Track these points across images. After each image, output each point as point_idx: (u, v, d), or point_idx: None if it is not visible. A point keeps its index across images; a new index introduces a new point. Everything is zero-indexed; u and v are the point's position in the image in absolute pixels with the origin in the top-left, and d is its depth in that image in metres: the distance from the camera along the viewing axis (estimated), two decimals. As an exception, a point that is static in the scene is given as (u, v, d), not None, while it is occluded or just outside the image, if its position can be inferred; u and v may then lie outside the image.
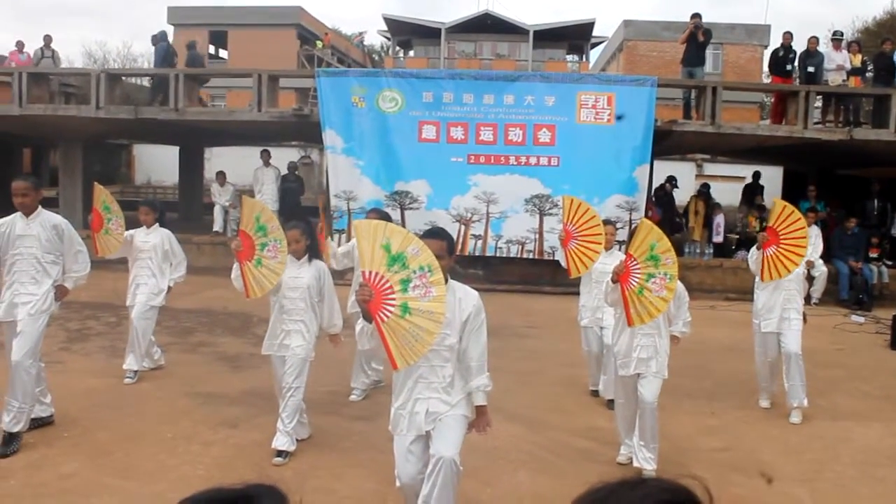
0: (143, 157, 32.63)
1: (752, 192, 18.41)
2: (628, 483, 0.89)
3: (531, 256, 14.27)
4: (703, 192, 17.18)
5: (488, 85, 14.12)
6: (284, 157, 21.66)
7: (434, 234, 4.24)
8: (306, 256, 5.95)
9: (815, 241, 13.61)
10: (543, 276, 14.21)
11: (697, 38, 15.09)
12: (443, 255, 4.06)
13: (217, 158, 25.00)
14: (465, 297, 4.18)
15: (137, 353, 7.71)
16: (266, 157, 17.05)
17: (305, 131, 16.67)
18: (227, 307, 11.61)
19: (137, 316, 7.73)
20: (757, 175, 19.17)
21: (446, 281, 4.13)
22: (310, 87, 15.89)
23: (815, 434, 6.89)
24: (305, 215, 15.37)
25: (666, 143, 14.93)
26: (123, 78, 17.40)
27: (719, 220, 15.97)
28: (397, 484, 4.29)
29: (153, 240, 7.86)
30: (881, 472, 6.01)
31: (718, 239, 15.84)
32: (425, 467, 4.13)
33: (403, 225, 14.12)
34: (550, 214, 13.99)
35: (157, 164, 30.70)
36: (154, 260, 7.83)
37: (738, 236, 16.59)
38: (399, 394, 4.23)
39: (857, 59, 15.45)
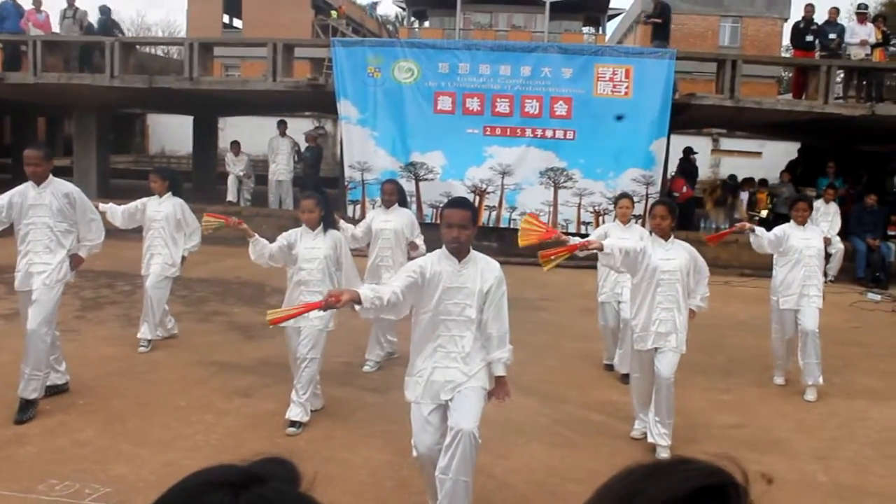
0: (157, 126, 32.64)
1: (794, 168, 18.18)
2: (664, 466, 0.85)
3: (545, 229, 14.20)
4: (730, 184, 16.90)
5: (505, 56, 13.97)
6: (299, 127, 21.57)
7: (459, 204, 4.24)
8: (321, 227, 5.93)
9: (832, 218, 13.56)
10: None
11: (655, 20, 15.12)
12: (467, 224, 4.07)
13: (231, 128, 24.96)
14: (487, 268, 4.18)
15: (151, 323, 7.73)
16: (283, 127, 16.98)
17: (320, 102, 16.60)
18: (240, 276, 11.62)
19: (151, 286, 7.74)
20: (803, 151, 18.86)
21: (468, 252, 4.13)
22: (324, 58, 15.77)
23: (830, 412, 6.85)
24: (322, 186, 15.39)
25: (683, 117, 14.77)
26: (138, 47, 17.32)
27: (743, 196, 15.91)
28: (414, 454, 4.29)
29: (165, 209, 7.85)
30: (897, 451, 5.98)
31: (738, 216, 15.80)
32: (443, 437, 4.14)
33: (418, 196, 14.08)
34: (565, 187, 13.94)
35: (171, 133, 30.70)
36: (167, 229, 7.82)
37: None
38: (415, 361, 4.23)
39: (879, 33, 15.19)
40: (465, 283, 4.10)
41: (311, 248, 5.86)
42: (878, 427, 6.52)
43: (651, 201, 13.49)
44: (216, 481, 0.84)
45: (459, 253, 4.13)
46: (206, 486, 0.83)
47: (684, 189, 15.39)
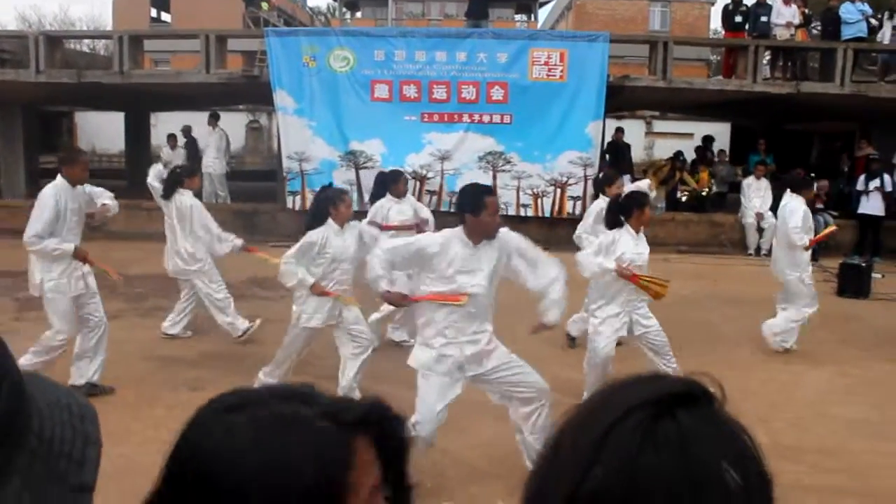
0: (85, 124, 31.74)
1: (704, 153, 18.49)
2: (639, 377, 0.89)
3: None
4: (683, 160, 17.08)
5: (440, 42, 14.00)
6: (233, 121, 21.29)
7: (494, 192, 4.71)
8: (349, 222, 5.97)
9: (764, 194, 13.97)
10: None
11: None
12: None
13: (164, 124, 24.40)
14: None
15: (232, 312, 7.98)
16: (213, 120, 16.76)
17: (254, 94, 16.38)
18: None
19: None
20: (708, 140, 19.10)
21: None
22: (257, 51, 15.58)
23: (770, 378, 7.10)
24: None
25: (617, 100, 15.00)
26: (63, 41, 16.80)
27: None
28: (424, 432, 4.39)
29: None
30: (833, 411, 6.25)
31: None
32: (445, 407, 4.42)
33: (359, 184, 14.04)
34: (504, 171, 14.07)
35: (101, 131, 29.89)
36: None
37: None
38: (440, 334, 4.45)
39: (801, 14, 15.61)
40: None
41: (344, 246, 5.81)
42: (813, 389, 6.80)
43: (590, 183, 13.72)
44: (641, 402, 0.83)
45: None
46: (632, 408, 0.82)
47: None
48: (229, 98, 20.53)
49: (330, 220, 5.77)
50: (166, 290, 10.37)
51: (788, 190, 7.94)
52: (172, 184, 7.92)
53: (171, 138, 17.23)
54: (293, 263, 5.73)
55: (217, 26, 23.30)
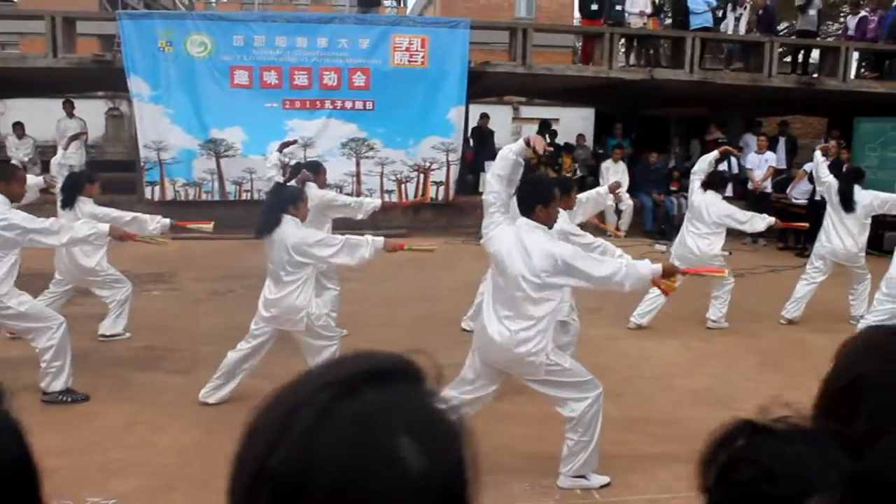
0: (-80, 112, 29.57)
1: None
2: (343, 358, 0.90)
3: (350, 200, 14.28)
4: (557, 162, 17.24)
5: (301, 28, 13.80)
6: (91, 109, 20.28)
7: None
8: None
9: (621, 176, 14.49)
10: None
11: None
12: None
13: (12, 112, 22.98)
14: None
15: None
16: (69, 108, 15.94)
17: (111, 80, 15.66)
18: (31, 267, 10.82)
19: None
20: (545, 125, 19.45)
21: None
22: (114, 34, 14.88)
23: (621, 354, 7.43)
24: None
25: (480, 85, 15.20)
26: None
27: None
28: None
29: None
30: (676, 382, 6.62)
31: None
32: None
33: (220, 173, 13.69)
34: (367, 157, 14.05)
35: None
36: None
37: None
38: None
39: (651, 4, 16.22)
40: None
41: None
42: (661, 363, 7.16)
43: (452, 168, 13.95)
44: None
45: None
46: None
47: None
48: (85, 84, 19.54)
49: (290, 218, 5.56)
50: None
51: (706, 189, 8.26)
52: (73, 191, 7.24)
53: (18, 126, 16.30)
54: None
55: (70, 8, 22.16)
